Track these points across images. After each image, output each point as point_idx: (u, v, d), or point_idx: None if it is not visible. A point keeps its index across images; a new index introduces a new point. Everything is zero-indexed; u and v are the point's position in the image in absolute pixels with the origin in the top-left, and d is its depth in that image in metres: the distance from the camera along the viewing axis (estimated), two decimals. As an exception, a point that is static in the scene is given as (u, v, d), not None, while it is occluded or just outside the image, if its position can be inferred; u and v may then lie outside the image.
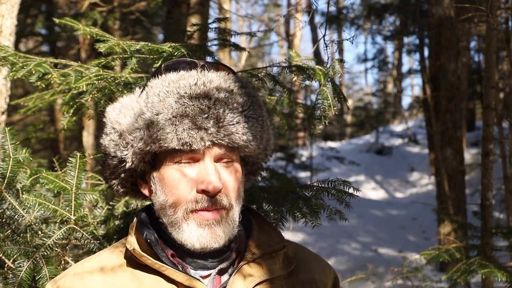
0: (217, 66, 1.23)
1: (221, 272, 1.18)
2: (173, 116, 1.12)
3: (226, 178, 1.15)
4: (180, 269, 1.15)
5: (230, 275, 1.17)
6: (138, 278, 1.15)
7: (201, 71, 1.19)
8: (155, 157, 1.18)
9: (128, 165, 1.20)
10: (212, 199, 1.13)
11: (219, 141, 1.13)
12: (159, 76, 1.20)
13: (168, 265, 1.13)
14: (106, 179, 1.28)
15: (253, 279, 1.17)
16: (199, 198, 1.13)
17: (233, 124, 1.13)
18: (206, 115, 1.12)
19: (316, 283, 1.26)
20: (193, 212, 1.14)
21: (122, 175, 1.24)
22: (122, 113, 1.21)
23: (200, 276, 1.16)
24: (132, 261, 1.17)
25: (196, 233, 1.13)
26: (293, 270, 1.24)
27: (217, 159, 1.15)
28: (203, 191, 1.12)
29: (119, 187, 1.27)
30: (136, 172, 1.22)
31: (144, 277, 1.15)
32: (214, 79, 1.17)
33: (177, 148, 1.13)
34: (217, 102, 1.13)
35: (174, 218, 1.15)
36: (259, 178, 1.36)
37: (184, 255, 1.16)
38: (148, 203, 1.27)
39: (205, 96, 1.13)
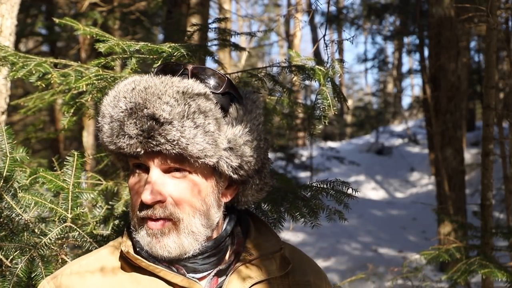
0: (204, 71, 1.19)
1: (219, 274, 1.18)
2: (111, 121, 1.12)
3: (172, 189, 1.12)
4: (175, 270, 1.15)
5: (227, 276, 1.17)
6: (136, 279, 1.15)
7: (172, 76, 1.16)
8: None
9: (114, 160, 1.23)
10: (152, 209, 1.12)
11: (150, 149, 1.09)
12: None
13: (162, 267, 1.14)
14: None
15: (250, 280, 1.17)
16: (143, 207, 1.13)
17: (161, 133, 1.08)
18: (135, 122, 1.09)
19: (310, 285, 1.27)
20: (142, 220, 1.14)
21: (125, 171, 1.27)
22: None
23: (196, 278, 1.16)
24: (128, 263, 1.17)
25: (146, 241, 1.13)
26: (289, 271, 1.24)
27: (166, 170, 1.12)
28: (142, 201, 1.12)
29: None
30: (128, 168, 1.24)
31: (141, 278, 1.15)
32: (155, 85, 1.12)
33: (116, 152, 1.13)
34: (150, 109, 1.09)
35: (133, 223, 1.17)
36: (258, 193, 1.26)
37: (172, 258, 1.16)
38: None
39: (140, 102, 1.10)
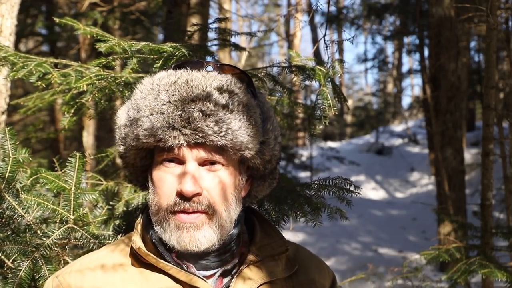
0: (223, 67, 1.21)
1: (224, 274, 1.18)
2: (150, 114, 1.13)
3: (209, 183, 1.13)
4: (185, 268, 1.15)
5: (233, 277, 1.17)
6: (145, 275, 1.15)
7: (198, 71, 1.18)
8: (152, 155, 1.19)
9: (127, 160, 1.22)
10: (189, 202, 1.12)
11: (194, 141, 1.10)
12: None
13: (173, 265, 1.14)
14: (126, 174, 1.31)
15: (255, 281, 1.17)
16: (177, 200, 1.13)
17: (209, 125, 1.10)
18: (181, 114, 1.10)
19: (315, 284, 1.27)
20: (172, 214, 1.13)
21: (131, 169, 1.25)
22: (124, 107, 1.23)
23: (204, 276, 1.16)
24: (137, 259, 1.17)
25: (175, 234, 1.13)
26: (294, 271, 1.24)
27: (202, 163, 1.13)
28: (180, 193, 1.12)
29: (133, 181, 1.29)
30: (141, 167, 1.23)
31: (150, 275, 1.15)
32: (198, 78, 1.15)
33: (155, 144, 1.13)
34: (196, 101, 1.11)
35: (157, 217, 1.15)
36: (275, 182, 1.30)
37: (186, 255, 1.16)
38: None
39: (184, 95, 1.12)
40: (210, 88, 1.13)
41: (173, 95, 1.12)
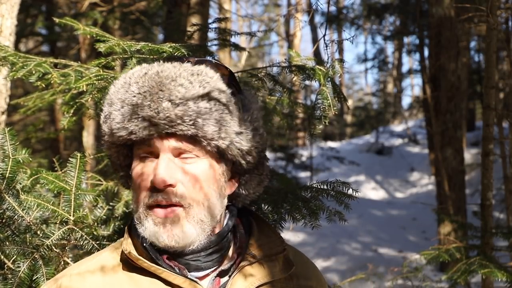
0: (203, 61, 1.20)
1: (221, 274, 1.17)
2: (121, 107, 1.12)
3: (183, 174, 1.11)
4: (178, 271, 1.14)
5: (230, 277, 1.16)
6: (135, 281, 1.14)
7: (171, 63, 1.17)
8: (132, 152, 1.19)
9: (113, 159, 1.21)
10: (162, 194, 1.10)
11: (165, 131, 1.09)
12: None
13: (165, 268, 1.12)
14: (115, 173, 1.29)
15: (252, 282, 1.16)
16: (152, 193, 1.11)
17: (177, 114, 1.09)
18: (150, 104, 1.09)
19: None
20: (150, 209, 1.12)
21: (119, 169, 1.24)
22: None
23: (197, 278, 1.15)
24: (128, 264, 1.15)
25: (153, 230, 1.11)
26: (293, 274, 1.23)
27: (177, 154, 1.12)
28: (154, 185, 1.10)
29: (122, 180, 1.27)
30: (126, 167, 1.22)
31: (141, 280, 1.13)
32: (168, 69, 1.14)
33: (128, 138, 1.12)
34: (164, 91, 1.10)
35: (138, 215, 1.14)
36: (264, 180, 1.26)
37: (175, 256, 1.15)
38: None
39: (153, 85, 1.11)
40: (180, 77, 1.12)
41: (142, 86, 1.12)
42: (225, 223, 1.21)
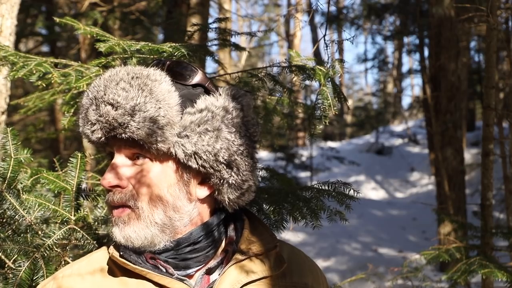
0: (179, 64, 1.20)
1: (209, 272, 1.17)
2: (81, 112, 1.16)
3: (132, 176, 1.14)
4: (164, 270, 1.14)
5: (219, 275, 1.15)
6: (124, 282, 1.14)
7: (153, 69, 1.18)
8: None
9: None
10: (113, 194, 1.14)
11: (108, 134, 1.12)
12: None
13: (149, 268, 1.12)
14: None
15: (242, 279, 1.15)
16: (108, 193, 1.15)
17: (115, 117, 1.09)
18: (95, 108, 1.12)
19: None
20: (111, 210, 1.16)
21: None
22: None
23: (185, 276, 1.15)
24: (118, 265, 1.16)
25: (112, 230, 1.15)
26: (286, 271, 1.22)
27: (131, 156, 1.14)
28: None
29: None
30: None
31: (129, 281, 1.14)
32: (118, 72, 1.15)
33: (89, 141, 1.16)
34: (107, 95, 1.12)
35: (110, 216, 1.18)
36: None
37: (158, 256, 1.15)
38: None
39: (99, 89, 1.13)
40: (122, 81, 1.13)
41: (93, 91, 1.15)
42: (203, 221, 1.18)
